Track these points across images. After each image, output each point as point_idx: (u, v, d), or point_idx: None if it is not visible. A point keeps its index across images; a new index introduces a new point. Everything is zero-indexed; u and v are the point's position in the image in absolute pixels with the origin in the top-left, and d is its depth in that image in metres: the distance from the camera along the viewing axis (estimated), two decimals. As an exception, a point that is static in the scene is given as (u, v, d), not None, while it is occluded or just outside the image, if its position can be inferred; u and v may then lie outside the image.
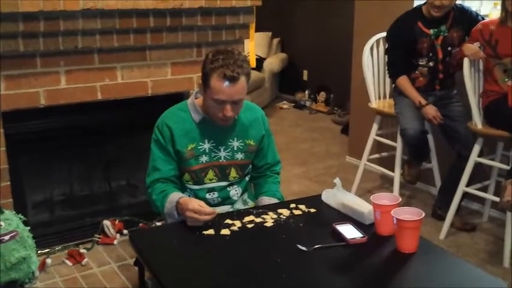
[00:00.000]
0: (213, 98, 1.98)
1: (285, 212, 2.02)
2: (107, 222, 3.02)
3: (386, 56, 3.36)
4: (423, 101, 3.15)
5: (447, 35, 3.14)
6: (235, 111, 2.04)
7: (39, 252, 2.71)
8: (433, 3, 3.04)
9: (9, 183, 2.70)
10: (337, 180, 2.06)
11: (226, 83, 1.95)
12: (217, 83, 1.96)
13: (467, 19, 3.15)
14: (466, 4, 3.33)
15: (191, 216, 1.89)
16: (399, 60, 3.25)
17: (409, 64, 3.22)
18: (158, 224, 2.97)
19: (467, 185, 3.07)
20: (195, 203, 1.93)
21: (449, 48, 3.15)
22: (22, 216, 2.50)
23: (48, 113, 2.75)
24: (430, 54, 3.15)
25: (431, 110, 3.13)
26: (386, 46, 3.34)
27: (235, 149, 2.16)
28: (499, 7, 3.06)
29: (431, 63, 3.17)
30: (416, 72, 3.21)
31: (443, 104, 3.21)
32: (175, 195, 2.02)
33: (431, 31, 3.13)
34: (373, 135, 3.55)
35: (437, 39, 3.14)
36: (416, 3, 3.42)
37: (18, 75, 2.60)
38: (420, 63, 3.19)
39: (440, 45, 3.14)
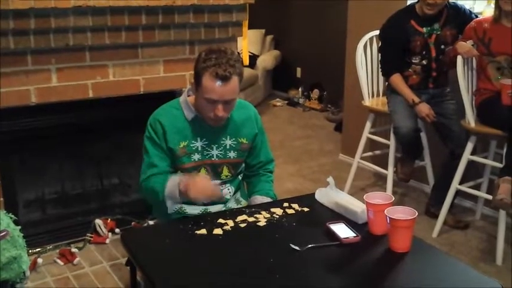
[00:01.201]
0: (205, 97, 1.97)
1: (278, 211, 2.01)
2: (98, 221, 3.00)
3: (379, 54, 3.36)
4: (416, 99, 3.15)
5: (440, 33, 3.13)
6: (227, 111, 2.03)
7: (30, 251, 2.69)
8: (426, 1, 3.04)
9: (-1, 182, 2.68)
10: (330, 179, 2.06)
11: (218, 82, 1.93)
12: (209, 82, 1.94)
13: (461, 17, 3.14)
14: (460, 2, 3.33)
15: (202, 183, 1.91)
16: (392, 58, 3.25)
17: (402, 62, 3.21)
18: (151, 222, 2.95)
19: (460, 182, 3.07)
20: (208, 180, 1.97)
21: (442, 47, 3.15)
22: (13, 216, 2.47)
23: (39, 111, 2.72)
24: (423, 53, 3.15)
25: (424, 108, 3.13)
26: (380, 44, 3.33)
27: (228, 147, 2.14)
28: (492, 5, 3.06)
29: (424, 62, 3.17)
30: (410, 70, 3.21)
31: (437, 101, 3.21)
32: (177, 176, 2.02)
33: (424, 29, 3.13)
34: (366, 133, 3.55)
35: (430, 38, 3.14)
36: (409, 2, 3.41)
37: (9, 73, 2.57)
38: (413, 61, 3.18)
39: (434, 43, 3.14)
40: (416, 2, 3.17)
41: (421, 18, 3.13)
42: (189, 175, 2.01)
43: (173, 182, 2.00)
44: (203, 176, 1.98)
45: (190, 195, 1.93)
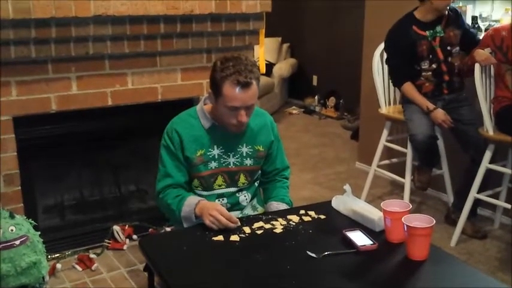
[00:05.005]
0: (227, 105, 1.98)
1: (294, 218, 2.01)
2: (116, 228, 3.03)
3: (387, 66, 3.35)
4: (431, 106, 3.13)
5: (444, 35, 3.13)
6: (249, 116, 2.05)
7: (49, 257, 2.72)
8: (437, 8, 3.04)
9: (20, 188, 2.72)
10: (347, 187, 2.05)
11: (240, 89, 1.95)
12: (230, 90, 1.95)
13: (460, 19, 3.18)
14: (477, 9, 3.32)
15: (217, 216, 1.89)
16: (401, 68, 3.23)
17: (411, 70, 3.20)
18: (168, 229, 2.97)
19: (479, 191, 3.04)
20: (224, 208, 1.95)
21: (448, 48, 3.14)
22: (33, 221, 2.51)
23: (59, 118, 2.77)
24: (431, 56, 3.14)
25: (440, 114, 3.11)
26: (386, 56, 3.33)
27: (244, 154, 2.16)
28: (510, 12, 3.05)
29: (434, 65, 3.15)
30: (422, 78, 3.19)
31: (453, 107, 3.19)
32: (193, 198, 2.03)
33: (427, 33, 3.13)
34: (383, 141, 3.54)
35: (434, 41, 3.13)
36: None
37: (30, 81, 2.62)
38: (423, 67, 3.16)
39: (439, 45, 3.13)
40: (414, 10, 3.17)
41: (422, 23, 3.14)
42: (206, 201, 2.02)
43: (189, 207, 2.00)
44: (218, 204, 1.98)
45: (205, 221, 1.93)
